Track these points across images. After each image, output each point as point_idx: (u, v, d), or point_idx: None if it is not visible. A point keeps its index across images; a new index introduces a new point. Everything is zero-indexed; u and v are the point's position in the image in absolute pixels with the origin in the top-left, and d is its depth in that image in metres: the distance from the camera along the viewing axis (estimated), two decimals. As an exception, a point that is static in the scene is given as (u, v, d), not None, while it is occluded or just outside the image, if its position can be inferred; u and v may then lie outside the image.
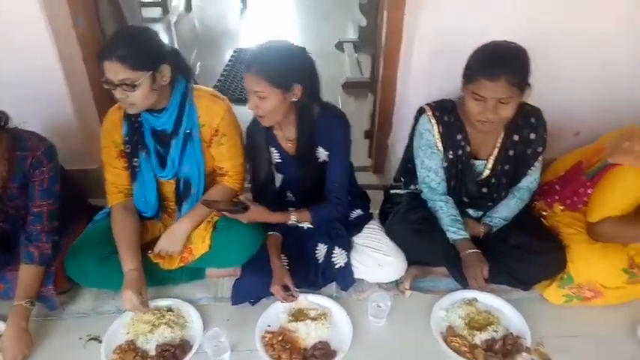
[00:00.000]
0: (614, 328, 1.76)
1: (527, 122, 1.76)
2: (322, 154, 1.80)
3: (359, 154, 2.66)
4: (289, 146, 1.81)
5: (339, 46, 4.35)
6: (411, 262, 1.88)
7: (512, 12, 1.93)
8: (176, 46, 4.11)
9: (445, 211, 1.84)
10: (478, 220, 1.92)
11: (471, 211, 1.95)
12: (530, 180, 1.88)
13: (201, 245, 1.78)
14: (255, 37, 4.82)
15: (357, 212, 2.00)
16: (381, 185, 2.50)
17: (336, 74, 3.78)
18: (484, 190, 1.87)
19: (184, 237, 1.79)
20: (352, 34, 4.56)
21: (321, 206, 1.85)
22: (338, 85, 3.69)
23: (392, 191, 2.07)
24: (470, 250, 1.76)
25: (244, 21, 5.33)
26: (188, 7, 5.40)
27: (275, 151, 1.84)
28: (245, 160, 1.87)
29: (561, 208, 1.92)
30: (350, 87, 3.69)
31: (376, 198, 2.18)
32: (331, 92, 3.57)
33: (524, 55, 1.59)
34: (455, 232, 1.80)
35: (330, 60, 4.00)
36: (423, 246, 1.84)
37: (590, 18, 1.96)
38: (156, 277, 1.83)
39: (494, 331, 1.69)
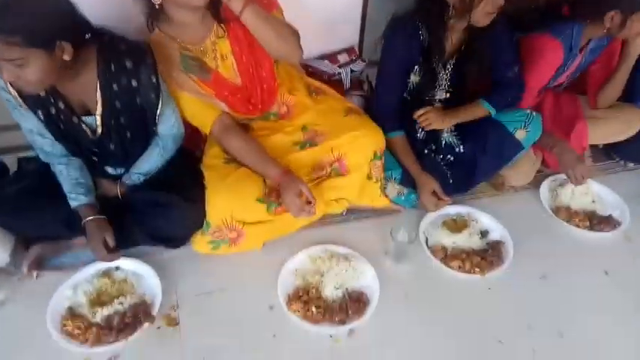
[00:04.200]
0: (259, 273, 1.68)
1: (123, 68, 1.46)
2: None
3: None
4: None
5: None
6: (34, 239, 1.62)
7: None
8: None
9: (65, 175, 1.56)
10: (118, 178, 1.68)
11: (110, 170, 1.70)
12: (169, 125, 1.65)
13: None
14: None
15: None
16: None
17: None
18: (112, 146, 1.61)
19: None
20: None
21: None
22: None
23: (20, 155, 1.73)
24: (89, 218, 1.53)
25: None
26: None
27: None
28: None
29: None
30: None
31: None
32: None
33: None
34: (74, 198, 1.54)
35: None
36: (30, 223, 1.56)
37: None
38: None
39: (120, 303, 1.51)
